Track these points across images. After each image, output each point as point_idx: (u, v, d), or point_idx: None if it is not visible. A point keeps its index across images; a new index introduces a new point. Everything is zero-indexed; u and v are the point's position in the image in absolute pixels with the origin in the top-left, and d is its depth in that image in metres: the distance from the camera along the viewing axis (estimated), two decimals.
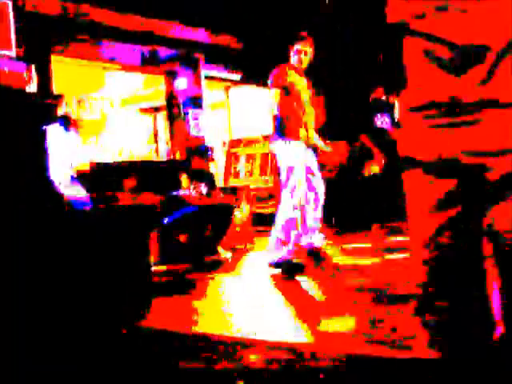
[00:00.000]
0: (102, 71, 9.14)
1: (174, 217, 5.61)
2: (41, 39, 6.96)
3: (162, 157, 9.88)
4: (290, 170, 4.39)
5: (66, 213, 4.43)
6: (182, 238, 5.63)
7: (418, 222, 1.36)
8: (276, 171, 7.68)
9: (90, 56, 7.97)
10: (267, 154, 8.64)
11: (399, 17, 1.32)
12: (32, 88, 6.10)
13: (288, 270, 4.33)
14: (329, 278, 4.10)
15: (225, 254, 5.76)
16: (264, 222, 7.69)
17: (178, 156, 9.10)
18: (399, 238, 5.44)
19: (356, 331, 2.64)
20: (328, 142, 4.98)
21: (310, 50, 4.59)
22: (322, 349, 2.42)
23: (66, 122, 6.13)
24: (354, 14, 8.51)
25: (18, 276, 3.17)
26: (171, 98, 9.35)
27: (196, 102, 9.45)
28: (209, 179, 6.33)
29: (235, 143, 9.57)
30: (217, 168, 8.61)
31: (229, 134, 10.94)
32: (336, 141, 7.08)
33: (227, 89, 11.02)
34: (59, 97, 6.57)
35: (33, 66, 6.29)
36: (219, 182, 8.31)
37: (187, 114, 9.29)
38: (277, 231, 4.43)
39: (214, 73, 9.91)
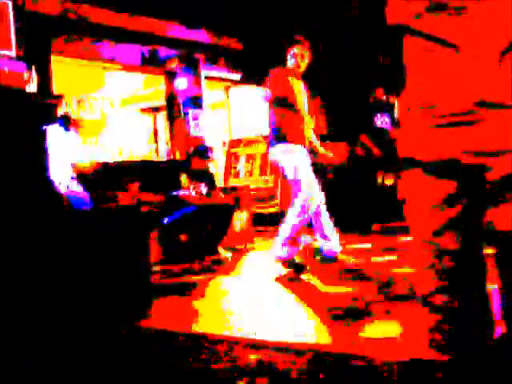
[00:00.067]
0: (102, 71, 9.15)
1: (173, 217, 5.61)
2: (41, 39, 6.96)
3: (162, 157, 9.89)
4: (297, 171, 4.34)
5: (65, 213, 4.43)
6: (182, 237, 5.63)
7: (418, 222, 1.35)
8: (276, 172, 7.69)
9: (90, 56, 7.98)
10: (267, 154, 8.64)
11: (399, 17, 1.31)
12: (32, 88, 6.11)
13: (290, 269, 4.32)
14: (329, 278, 4.10)
15: (225, 254, 5.76)
16: (264, 221, 7.70)
17: (178, 156, 9.11)
18: (399, 238, 5.45)
19: (356, 331, 2.64)
20: (328, 143, 4.97)
21: (306, 53, 4.56)
22: (322, 349, 2.42)
23: (66, 121, 6.14)
24: (354, 16, 8.52)
25: (18, 276, 3.17)
26: (171, 98, 9.36)
27: (196, 102, 9.46)
28: (209, 179, 6.33)
29: (235, 143, 9.57)
30: (217, 168, 8.62)
31: (229, 134, 10.94)
32: (336, 142, 7.09)
33: (227, 89, 11.02)
34: (59, 97, 6.59)
35: (33, 66, 6.30)
36: (219, 182, 8.32)
37: (187, 114, 9.30)
38: (287, 230, 4.35)
39: (214, 73, 9.92)
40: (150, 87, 10.16)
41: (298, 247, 4.46)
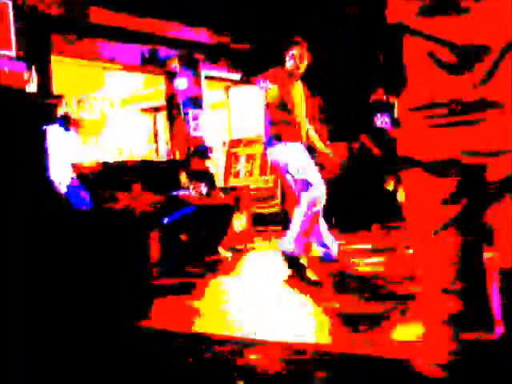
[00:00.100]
0: (102, 71, 9.15)
1: (173, 217, 5.61)
2: (41, 39, 6.96)
3: (162, 157, 9.89)
4: (300, 168, 4.31)
5: (65, 213, 4.43)
6: (182, 237, 5.63)
7: (417, 223, 1.35)
8: (276, 172, 7.68)
9: (90, 56, 7.98)
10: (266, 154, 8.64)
11: (399, 17, 1.31)
12: (32, 88, 6.11)
13: (291, 268, 4.31)
14: (329, 278, 4.10)
15: (225, 253, 5.76)
16: (264, 222, 7.71)
17: (177, 156, 9.11)
18: (399, 238, 5.44)
19: (356, 331, 2.64)
20: (328, 143, 4.96)
21: (305, 54, 4.55)
22: (322, 348, 2.42)
23: (66, 121, 6.14)
24: (354, 15, 8.52)
25: (18, 276, 3.17)
26: (171, 97, 9.36)
27: (196, 102, 9.45)
28: (209, 179, 6.33)
29: (235, 143, 9.57)
30: (217, 168, 8.62)
31: (229, 134, 10.93)
32: (336, 142, 7.10)
33: (227, 89, 11.02)
34: (59, 97, 6.59)
35: (33, 66, 6.30)
36: (219, 182, 8.31)
37: (187, 113, 9.29)
38: (296, 229, 4.31)
39: (214, 73, 9.92)
40: (150, 87, 10.16)
41: (308, 250, 4.40)
